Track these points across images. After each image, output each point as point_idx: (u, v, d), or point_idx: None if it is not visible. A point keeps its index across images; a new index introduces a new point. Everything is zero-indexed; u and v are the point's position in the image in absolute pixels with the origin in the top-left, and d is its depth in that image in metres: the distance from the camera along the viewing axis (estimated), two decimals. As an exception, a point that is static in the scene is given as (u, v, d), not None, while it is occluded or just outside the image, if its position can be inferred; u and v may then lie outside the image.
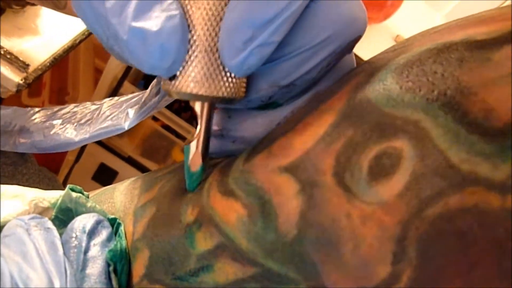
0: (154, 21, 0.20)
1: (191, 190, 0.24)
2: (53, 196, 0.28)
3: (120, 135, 1.07)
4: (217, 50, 0.21)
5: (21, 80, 0.63)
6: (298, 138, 0.21)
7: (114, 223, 0.27)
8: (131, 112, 0.30)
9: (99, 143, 1.07)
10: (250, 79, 0.22)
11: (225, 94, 0.21)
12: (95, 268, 0.24)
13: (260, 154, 0.22)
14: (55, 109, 0.42)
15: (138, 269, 0.24)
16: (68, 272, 0.23)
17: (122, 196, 0.29)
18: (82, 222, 0.26)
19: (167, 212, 0.25)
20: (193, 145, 0.23)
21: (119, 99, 0.35)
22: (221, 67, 0.21)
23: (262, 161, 0.22)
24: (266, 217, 0.20)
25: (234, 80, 0.21)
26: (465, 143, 0.17)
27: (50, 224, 0.25)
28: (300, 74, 0.22)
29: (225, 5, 0.21)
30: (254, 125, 0.24)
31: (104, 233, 0.26)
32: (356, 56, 0.78)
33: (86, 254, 0.25)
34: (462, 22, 0.22)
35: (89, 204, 0.28)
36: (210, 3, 0.21)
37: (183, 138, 1.04)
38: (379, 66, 0.21)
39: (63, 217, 0.28)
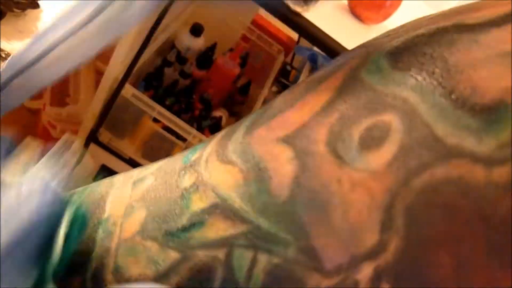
0: None
1: None
2: None
3: (121, 137, 1.08)
4: None
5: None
6: (296, 113, 0.22)
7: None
8: None
9: (100, 145, 1.07)
10: None
11: None
12: None
13: (259, 128, 0.23)
14: None
15: (132, 225, 0.25)
16: None
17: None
18: None
19: (165, 181, 0.26)
20: None
21: None
22: None
23: (261, 134, 0.23)
24: (260, 181, 0.21)
25: None
26: (451, 117, 0.18)
27: None
28: None
29: None
30: None
31: None
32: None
33: None
34: (455, 9, 0.23)
35: None
36: None
37: (183, 140, 1.05)
38: (373, 49, 0.23)
39: None
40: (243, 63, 1.27)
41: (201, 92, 1.18)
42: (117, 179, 0.29)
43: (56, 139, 1.25)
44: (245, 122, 0.25)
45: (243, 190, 0.22)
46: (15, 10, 0.65)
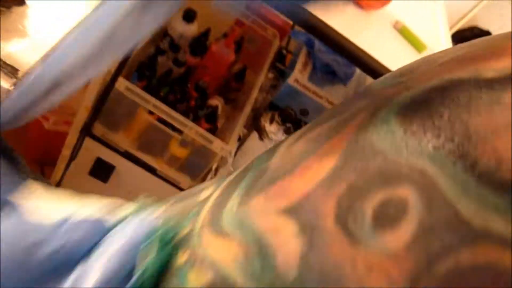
0: None
1: None
2: None
3: (116, 130, 1.05)
4: None
5: (11, 86, 0.61)
6: (298, 181, 0.20)
7: None
8: None
9: (95, 138, 1.05)
10: None
11: None
12: None
13: (256, 197, 0.21)
14: None
15: None
16: None
17: None
18: None
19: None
20: None
21: None
22: None
23: (259, 203, 0.21)
24: (263, 257, 0.19)
25: None
26: (475, 195, 0.16)
27: None
28: None
29: None
30: None
31: None
32: (354, 45, 0.75)
33: None
34: (470, 52, 0.20)
35: None
36: None
37: (179, 131, 1.03)
38: (381, 103, 0.20)
39: None
40: (238, 48, 1.24)
41: (196, 80, 1.15)
42: None
43: (49, 131, 1.23)
44: (239, 187, 0.23)
45: (245, 267, 0.20)
46: (0, 8, 0.62)
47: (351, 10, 0.89)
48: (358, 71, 1.22)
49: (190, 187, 0.95)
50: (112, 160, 1.08)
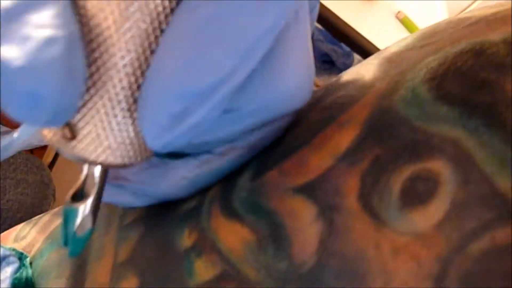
0: (20, 48, 0.13)
1: (74, 256, 0.20)
2: None
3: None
4: (135, 108, 0.15)
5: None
6: (315, 155, 0.18)
7: (20, 257, 0.25)
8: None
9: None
10: None
11: (133, 161, 0.17)
12: None
13: (270, 172, 0.19)
14: None
15: None
16: None
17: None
18: None
19: (158, 233, 0.21)
20: (81, 207, 0.18)
21: None
22: (133, 130, 0.16)
23: (273, 180, 0.19)
24: (278, 244, 0.17)
25: (145, 145, 0.17)
26: None
27: None
28: (216, 137, 0.18)
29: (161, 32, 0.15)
30: (156, 178, 0.20)
31: (8, 270, 0.23)
32: (357, 33, 0.74)
33: None
34: (500, 12, 0.18)
35: None
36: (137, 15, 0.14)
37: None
38: (405, 69, 0.18)
39: None
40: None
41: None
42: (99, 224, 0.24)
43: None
44: (251, 161, 0.21)
45: (258, 257, 0.18)
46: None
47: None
48: (356, 61, 1.21)
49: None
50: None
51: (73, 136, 0.15)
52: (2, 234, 0.32)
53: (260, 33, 0.14)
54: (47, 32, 0.13)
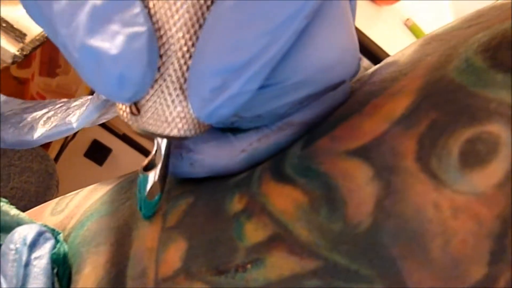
0: (112, 41, 0.16)
1: (146, 218, 0.23)
2: None
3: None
4: (186, 86, 0.18)
5: (18, 51, 0.59)
6: (368, 121, 0.19)
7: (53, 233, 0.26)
8: (78, 113, 0.30)
9: (93, 119, 1.03)
10: None
11: (193, 132, 0.19)
12: (37, 284, 0.23)
13: (321, 139, 0.20)
14: (39, 103, 0.41)
15: (171, 262, 0.21)
16: (3, 287, 0.21)
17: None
18: (23, 234, 0.24)
19: (208, 200, 0.22)
20: (151, 175, 0.21)
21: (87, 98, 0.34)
22: (186, 106, 0.19)
23: (325, 145, 0.19)
24: (331, 205, 0.18)
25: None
26: None
27: None
28: (265, 110, 0.20)
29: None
30: (216, 150, 0.22)
31: (47, 246, 0.24)
32: (366, 37, 0.75)
33: (26, 268, 0.23)
34: None
35: (12, 212, 0.27)
36: (193, 17, 0.17)
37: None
38: (455, 44, 0.19)
39: None
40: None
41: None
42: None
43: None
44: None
45: (310, 217, 0.18)
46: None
47: (364, 2, 0.89)
48: (364, 66, 1.21)
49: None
50: (109, 143, 1.06)
51: (138, 112, 0.19)
52: (35, 209, 0.32)
53: (288, 14, 0.16)
54: (132, 29, 0.16)
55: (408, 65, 0.20)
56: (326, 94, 0.20)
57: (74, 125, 0.30)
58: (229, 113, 0.17)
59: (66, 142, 1.05)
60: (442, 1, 1.12)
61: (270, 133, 0.21)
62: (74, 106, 0.36)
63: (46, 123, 0.36)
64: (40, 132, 0.34)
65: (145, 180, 0.21)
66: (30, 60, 1.21)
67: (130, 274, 0.22)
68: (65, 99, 0.43)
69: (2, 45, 0.58)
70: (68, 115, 0.34)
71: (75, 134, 1.02)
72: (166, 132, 0.19)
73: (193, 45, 0.18)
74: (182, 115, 0.19)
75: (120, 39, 0.16)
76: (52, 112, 0.38)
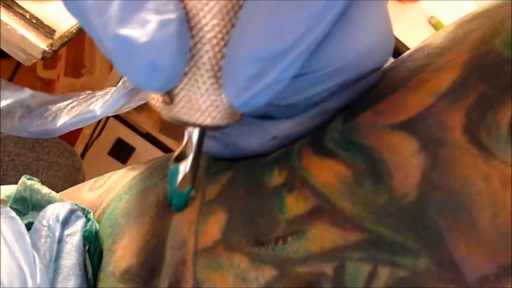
0: (143, 29, 0.16)
1: (177, 210, 0.23)
2: (7, 189, 0.27)
3: (139, 110, 1.04)
4: (220, 75, 0.18)
5: (47, 46, 0.60)
6: (413, 95, 0.19)
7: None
8: (101, 102, 0.30)
9: (117, 117, 1.04)
10: None
11: (226, 122, 0.19)
12: (70, 259, 0.23)
13: (362, 114, 0.20)
14: (64, 96, 0.42)
15: (211, 233, 0.21)
16: (37, 262, 0.21)
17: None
18: (55, 211, 0.24)
19: (247, 175, 0.22)
20: (182, 166, 0.21)
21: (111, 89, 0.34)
22: (220, 94, 0.18)
23: (368, 120, 0.19)
24: (376, 178, 0.18)
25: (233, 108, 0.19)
26: None
27: (13, 213, 0.24)
28: (300, 98, 0.19)
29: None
30: (249, 134, 0.22)
31: (78, 224, 0.25)
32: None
33: (59, 244, 0.23)
34: None
35: (44, 191, 0.27)
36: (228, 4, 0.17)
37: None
38: (501, 19, 0.19)
39: (18, 207, 0.27)
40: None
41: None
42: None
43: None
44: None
45: (354, 190, 0.18)
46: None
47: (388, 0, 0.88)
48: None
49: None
50: (132, 142, 1.07)
51: (171, 101, 0.18)
52: (72, 188, 0.33)
53: (324, 3, 0.16)
54: (162, 16, 0.16)
55: (452, 41, 0.20)
56: (361, 80, 0.20)
57: (98, 112, 0.30)
58: (265, 101, 0.17)
59: (91, 140, 1.06)
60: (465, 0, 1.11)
61: (303, 121, 0.21)
62: (98, 95, 0.36)
63: (70, 112, 0.37)
64: (63, 120, 0.35)
65: (176, 171, 0.21)
66: (55, 61, 1.23)
67: (170, 244, 0.22)
68: (89, 91, 0.44)
69: (32, 41, 0.59)
70: (92, 104, 0.34)
71: (100, 132, 1.04)
72: (199, 121, 0.18)
73: (227, 32, 0.17)
74: (215, 104, 0.18)
75: (150, 27, 0.16)
76: (76, 102, 0.39)
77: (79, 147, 1.10)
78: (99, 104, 0.32)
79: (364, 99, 0.21)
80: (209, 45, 0.17)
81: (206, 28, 0.17)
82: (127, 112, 1.04)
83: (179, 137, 1.06)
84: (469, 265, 0.16)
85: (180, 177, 0.21)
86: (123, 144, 1.07)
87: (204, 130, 0.20)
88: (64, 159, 0.70)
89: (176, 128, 1.06)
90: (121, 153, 1.09)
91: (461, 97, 0.17)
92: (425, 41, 0.22)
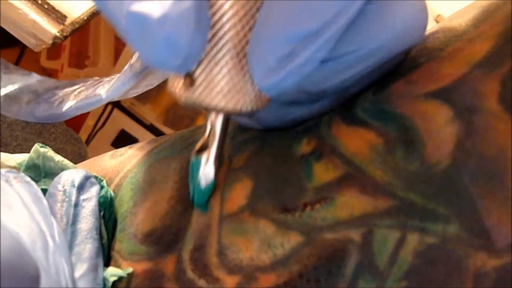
0: (156, 4, 0.15)
1: (199, 206, 0.22)
2: (19, 157, 0.28)
3: (143, 102, 1.04)
4: (243, 55, 0.17)
5: (58, 32, 0.60)
6: (446, 65, 0.19)
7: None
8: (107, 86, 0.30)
9: (121, 108, 1.04)
10: None
11: (250, 108, 0.18)
12: (86, 223, 0.24)
13: (394, 83, 0.20)
14: (71, 82, 0.42)
15: (236, 199, 0.21)
16: (54, 224, 0.22)
17: None
18: (70, 177, 0.25)
19: (275, 144, 0.22)
20: (204, 158, 0.20)
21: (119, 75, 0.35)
22: (242, 77, 0.18)
23: (400, 89, 0.19)
24: (409, 146, 0.18)
25: (258, 93, 0.18)
26: None
27: (28, 178, 0.24)
28: (333, 83, 0.19)
29: None
30: (271, 110, 0.22)
31: (93, 190, 0.25)
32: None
33: (76, 208, 0.24)
34: None
35: (57, 158, 0.28)
36: None
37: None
38: None
39: (30, 174, 0.27)
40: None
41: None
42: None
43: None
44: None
45: (385, 158, 0.18)
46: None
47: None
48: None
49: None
50: (136, 133, 1.07)
51: (192, 84, 0.18)
52: (94, 158, 0.33)
53: None
54: None
55: (484, 13, 0.20)
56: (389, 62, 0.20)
57: (103, 96, 0.30)
58: (293, 84, 0.17)
59: (94, 131, 1.06)
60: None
61: (327, 105, 0.22)
62: (105, 81, 0.37)
63: (76, 97, 0.37)
64: (69, 104, 0.35)
65: (198, 163, 0.20)
66: (59, 52, 1.23)
67: (196, 210, 0.22)
68: (96, 77, 0.44)
69: (44, 26, 0.59)
70: (97, 88, 0.34)
71: (104, 123, 1.04)
72: (221, 105, 0.18)
73: (250, 9, 0.17)
74: (238, 86, 0.18)
75: (165, 2, 0.15)
76: (83, 87, 0.39)
77: (82, 138, 1.10)
78: (105, 88, 0.32)
79: (397, 69, 0.21)
80: (231, 22, 0.17)
81: (227, 5, 0.16)
82: (131, 103, 1.04)
83: (183, 129, 1.06)
84: (499, 232, 0.16)
85: (202, 169, 0.21)
86: (126, 136, 1.07)
87: (228, 118, 0.20)
88: (70, 146, 0.70)
89: (180, 121, 1.06)
90: (124, 144, 1.07)
91: (496, 66, 0.18)
92: (451, 16, 0.23)
